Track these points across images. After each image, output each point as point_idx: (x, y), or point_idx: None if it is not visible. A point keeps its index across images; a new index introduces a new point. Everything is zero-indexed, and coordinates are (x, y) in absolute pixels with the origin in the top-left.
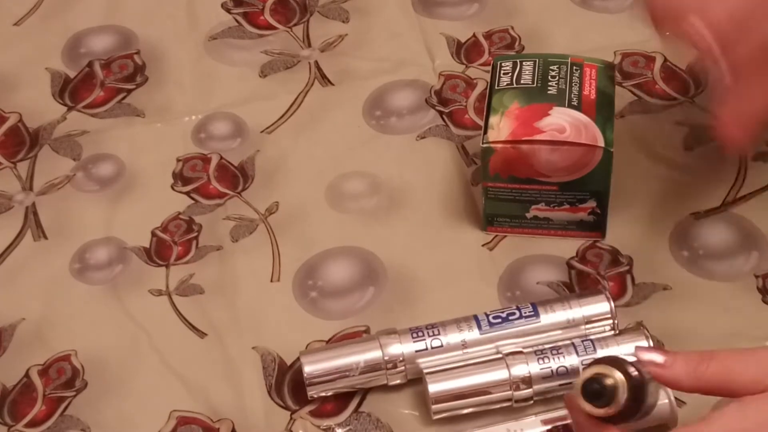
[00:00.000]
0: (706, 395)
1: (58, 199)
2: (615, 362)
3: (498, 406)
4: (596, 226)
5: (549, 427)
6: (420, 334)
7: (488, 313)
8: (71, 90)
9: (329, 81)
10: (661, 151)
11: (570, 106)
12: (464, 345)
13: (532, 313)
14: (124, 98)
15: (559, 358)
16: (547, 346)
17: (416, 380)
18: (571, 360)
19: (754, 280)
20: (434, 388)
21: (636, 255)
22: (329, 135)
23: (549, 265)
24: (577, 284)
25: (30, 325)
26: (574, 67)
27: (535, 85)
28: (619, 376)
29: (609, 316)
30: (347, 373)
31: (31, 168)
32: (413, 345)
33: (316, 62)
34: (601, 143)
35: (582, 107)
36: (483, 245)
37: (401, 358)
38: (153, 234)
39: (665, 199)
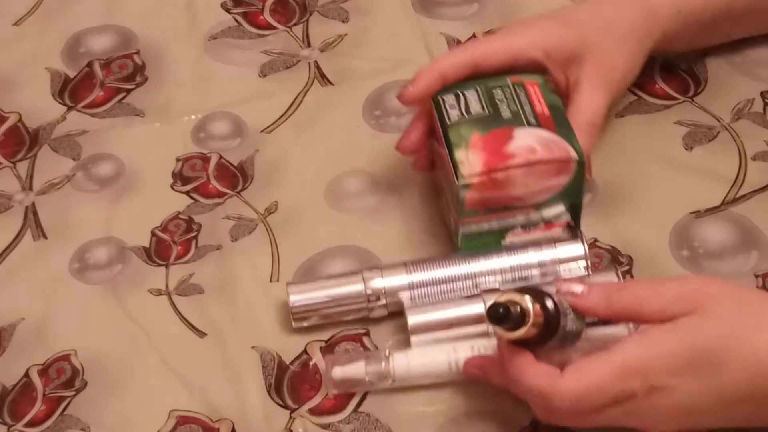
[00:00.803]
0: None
1: (57, 199)
2: (532, 291)
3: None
4: (571, 238)
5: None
6: (402, 269)
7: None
8: (71, 90)
9: (329, 81)
10: (661, 151)
11: (529, 125)
12: (444, 280)
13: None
14: (123, 98)
15: None
16: (523, 285)
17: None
18: None
19: (753, 280)
20: (413, 320)
21: (636, 255)
22: (329, 135)
23: None
24: None
25: (29, 325)
26: (517, 87)
27: (486, 111)
28: (527, 304)
29: (583, 257)
30: (331, 304)
31: (31, 168)
32: (395, 279)
33: (316, 62)
34: (575, 155)
35: (541, 124)
36: None
37: (383, 292)
38: (153, 233)
39: (665, 198)
